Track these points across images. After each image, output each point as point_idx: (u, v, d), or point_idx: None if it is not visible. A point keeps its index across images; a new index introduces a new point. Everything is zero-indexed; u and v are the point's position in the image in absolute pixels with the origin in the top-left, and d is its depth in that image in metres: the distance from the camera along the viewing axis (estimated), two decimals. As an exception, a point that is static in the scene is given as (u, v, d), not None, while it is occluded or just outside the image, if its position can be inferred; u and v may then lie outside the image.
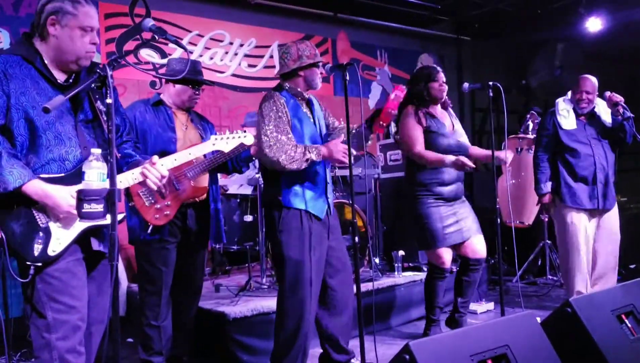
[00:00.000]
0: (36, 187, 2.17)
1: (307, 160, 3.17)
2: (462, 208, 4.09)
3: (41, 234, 2.20)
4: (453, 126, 4.16)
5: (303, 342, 3.28)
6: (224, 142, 2.90)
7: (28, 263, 2.18)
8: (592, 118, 4.66)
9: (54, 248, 2.21)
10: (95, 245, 2.37)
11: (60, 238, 2.22)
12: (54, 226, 2.22)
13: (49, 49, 2.31)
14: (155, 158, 2.40)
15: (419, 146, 3.97)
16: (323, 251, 3.33)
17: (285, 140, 3.17)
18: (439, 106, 4.15)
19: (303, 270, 3.22)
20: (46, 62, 2.32)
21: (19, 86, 2.22)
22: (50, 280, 2.22)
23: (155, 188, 2.40)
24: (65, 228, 2.24)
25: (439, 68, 4.10)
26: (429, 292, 4.19)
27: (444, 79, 4.06)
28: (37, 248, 2.18)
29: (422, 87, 4.04)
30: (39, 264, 2.19)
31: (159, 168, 2.39)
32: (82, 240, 2.30)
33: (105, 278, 2.44)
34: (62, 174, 2.24)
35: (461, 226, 4.04)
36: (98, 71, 2.09)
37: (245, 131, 3.03)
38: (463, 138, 4.14)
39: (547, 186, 4.66)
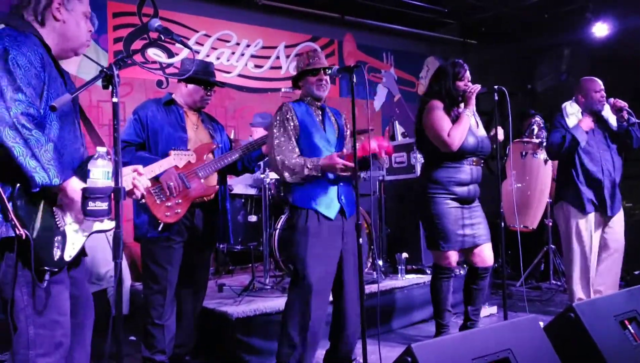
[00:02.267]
0: (76, 185, 2.06)
1: (307, 176, 3.26)
2: (476, 212, 4.02)
3: (59, 237, 2.10)
4: (477, 124, 4.07)
5: (310, 340, 3.28)
6: (179, 158, 3.19)
7: (46, 268, 2.05)
8: (600, 122, 4.65)
9: (70, 253, 2.14)
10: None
11: (75, 242, 2.16)
12: (69, 230, 2.14)
13: (49, 35, 2.20)
14: (140, 168, 2.39)
15: (447, 131, 3.84)
16: (333, 252, 3.34)
17: (290, 155, 3.29)
18: (462, 105, 4.01)
19: (307, 268, 3.24)
20: None
21: (50, 71, 2.13)
22: (37, 292, 2.08)
23: (139, 195, 2.35)
24: (79, 231, 2.17)
25: (464, 64, 3.99)
26: (435, 294, 4.09)
27: (469, 78, 3.97)
28: (57, 253, 2.08)
29: (450, 85, 3.93)
30: (56, 269, 2.09)
31: (144, 180, 2.34)
32: None
33: (83, 275, 2.39)
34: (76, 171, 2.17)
35: (474, 231, 3.97)
36: (104, 69, 2.07)
37: (191, 150, 3.34)
38: (484, 137, 4.04)
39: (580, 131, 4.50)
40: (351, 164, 3.13)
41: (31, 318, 2.07)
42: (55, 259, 2.08)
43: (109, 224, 2.23)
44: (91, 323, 2.40)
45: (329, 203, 3.33)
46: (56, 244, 2.08)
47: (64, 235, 2.12)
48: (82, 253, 2.30)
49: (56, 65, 2.21)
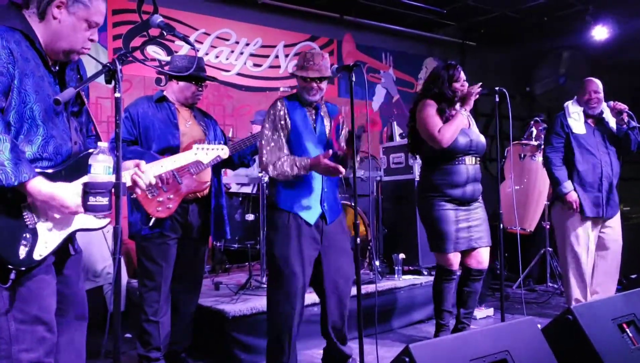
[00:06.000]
0: (41, 185, 1.99)
1: (294, 175, 3.29)
2: (476, 214, 3.99)
3: (28, 235, 2.02)
4: (469, 124, 4.06)
5: (290, 336, 3.33)
6: (204, 153, 2.97)
7: (10, 266, 1.98)
8: (600, 124, 4.65)
9: (40, 252, 2.04)
10: (71, 249, 2.26)
11: (48, 241, 2.07)
12: (41, 228, 2.06)
13: (45, 31, 2.12)
14: (142, 163, 2.38)
15: (439, 127, 3.85)
16: (311, 252, 3.38)
17: (277, 152, 3.33)
18: (458, 104, 4.01)
19: (286, 267, 3.30)
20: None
21: (23, 67, 2.03)
22: (17, 288, 2.03)
23: (140, 192, 2.35)
24: (54, 230, 2.09)
25: (458, 66, 3.98)
26: (436, 295, 4.09)
27: (464, 77, 3.97)
28: (23, 251, 1.99)
29: (447, 88, 3.93)
30: (23, 268, 2.00)
31: (148, 175, 2.31)
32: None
33: (78, 273, 2.34)
34: (59, 169, 2.11)
35: (472, 232, 3.95)
36: (108, 65, 2.05)
37: (222, 143, 3.11)
38: (480, 136, 4.03)
39: (569, 185, 4.52)
40: (336, 166, 3.17)
41: (11, 314, 2.03)
42: (21, 257, 1.99)
43: (93, 223, 2.17)
44: (84, 323, 2.35)
45: (310, 208, 3.37)
46: (23, 242, 2.00)
47: (34, 233, 2.04)
48: (66, 251, 2.25)
49: (44, 62, 2.14)
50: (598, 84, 4.60)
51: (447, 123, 3.85)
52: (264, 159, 3.33)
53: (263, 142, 3.36)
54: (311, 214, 3.36)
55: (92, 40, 2.19)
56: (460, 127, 3.88)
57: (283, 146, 3.35)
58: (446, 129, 3.82)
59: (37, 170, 2.02)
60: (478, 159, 4.04)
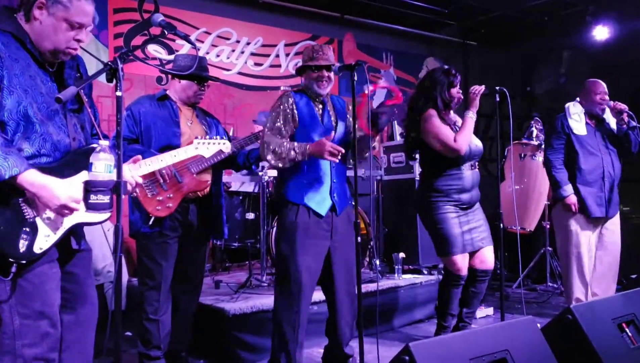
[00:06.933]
0: (33, 178, 2.02)
1: (291, 159, 3.26)
2: (476, 215, 4.00)
3: (27, 229, 2.05)
4: None
5: (296, 335, 3.33)
6: (205, 147, 2.97)
7: (11, 260, 2.02)
8: (601, 124, 4.65)
9: (40, 245, 2.07)
10: (74, 243, 2.28)
11: (49, 234, 2.10)
12: (40, 222, 2.09)
13: (31, 32, 2.16)
14: (139, 157, 2.37)
15: (453, 136, 3.84)
16: (320, 248, 3.38)
17: (277, 139, 3.30)
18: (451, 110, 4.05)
19: (292, 264, 3.30)
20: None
21: (13, 67, 2.07)
22: (21, 283, 2.07)
23: (130, 191, 2.35)
24: (53, 224, 2.11)
25: (457, 73, 3.97)
26: (442, 299, 4.08)
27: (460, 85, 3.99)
28: (23, 244, 2.03)
29: (445, 93, 3.93)
30: (23, 262, 2.04)
31: (136, 176, 2.36)
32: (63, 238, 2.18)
33: (87, 272, 2.35)
34: (54, 165, 2.13)
35: (474, 234, 3.96)
36: (109, 63, 2.06)
37: (224, 139, 3.12)
38: (477, 141, 4.04)
39: (569, 188, 4.53)
40: (341, 149, 3.16)
41: (15, 309, 2.06)
42: (22, 251, 2.03)
43: (93, 216, 2.17)
44: (93, 322, 2.37)
45: (321, 200, 3.36)
46: (23, 236, 2.03)
47: (33, 227, 2.07)
48: (68, 246, 2.25)
49: (37, 62, 2.17)
50: (602, 84, 4.61)
51: (460, 131, 3.85)
52: (264, 147, 3.31)
53: (265, 131, 3.35)
54: (322, 206, 3.35)
55: (79, 41, 2.20)
56: (472, 131, 3.87)
57: (285, 136, 3.34)
58: (461, 137, 3.82)
59: (35, 166, 2.05)
60: (477, 163, 4.05)
